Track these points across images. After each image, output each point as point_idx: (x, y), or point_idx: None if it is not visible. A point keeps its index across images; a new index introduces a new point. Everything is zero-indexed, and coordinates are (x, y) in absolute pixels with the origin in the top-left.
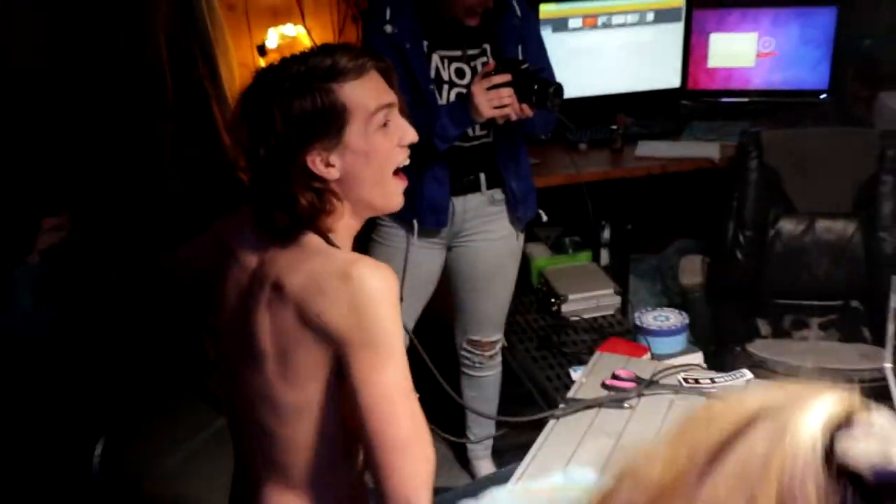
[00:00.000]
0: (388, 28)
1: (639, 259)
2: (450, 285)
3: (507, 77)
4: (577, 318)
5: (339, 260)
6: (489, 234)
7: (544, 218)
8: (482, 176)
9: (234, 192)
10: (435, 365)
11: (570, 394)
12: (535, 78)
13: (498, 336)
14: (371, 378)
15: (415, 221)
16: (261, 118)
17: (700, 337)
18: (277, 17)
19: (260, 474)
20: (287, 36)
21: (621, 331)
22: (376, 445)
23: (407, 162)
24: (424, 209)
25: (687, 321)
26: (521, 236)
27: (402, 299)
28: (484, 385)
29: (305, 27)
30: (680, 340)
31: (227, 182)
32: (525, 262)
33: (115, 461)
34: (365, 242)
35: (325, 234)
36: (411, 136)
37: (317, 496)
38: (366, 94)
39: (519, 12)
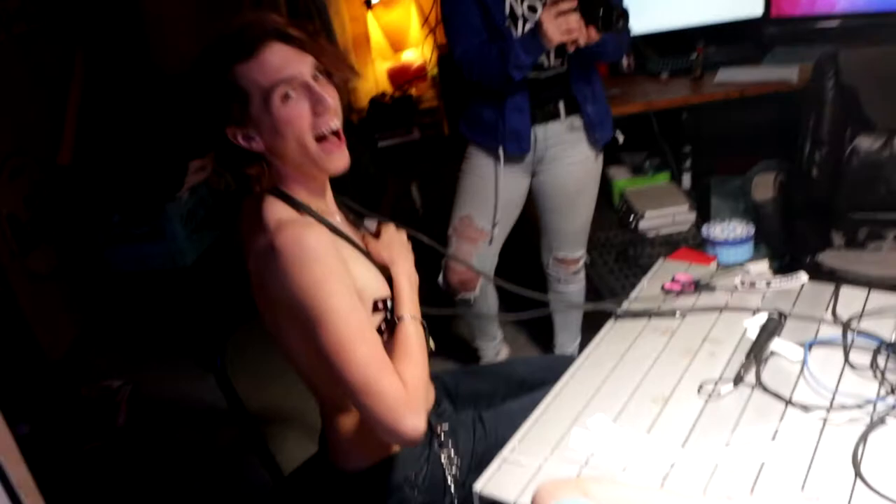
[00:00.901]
0: None
1: (722, 180)
2: (535, 208)
3: (573, 3)
4: (653, 234)
5: (268, 234)
6: (569, 158)
7: (620, 139)
8: (561, 104)
9: None
10: (524, 284)
11: (631, 295)
12: (601, 3)
13: (581, 252)
14: (318, 336)
15: (500, 150)
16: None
17: (774, 251)
18: None
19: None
20: None
21: (694, 245)
22: (346, 391)
23: (334, 127)
24: (508, 137)
25: (753, 231)
26: (600, 157)
27: (495, 224)
28: (568, 298)
29: None
30: (746, 249)
31: None
32: (606, 183)
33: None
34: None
35: (287, 196)
36: (324, 102)
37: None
38: (259, 72)
39: None
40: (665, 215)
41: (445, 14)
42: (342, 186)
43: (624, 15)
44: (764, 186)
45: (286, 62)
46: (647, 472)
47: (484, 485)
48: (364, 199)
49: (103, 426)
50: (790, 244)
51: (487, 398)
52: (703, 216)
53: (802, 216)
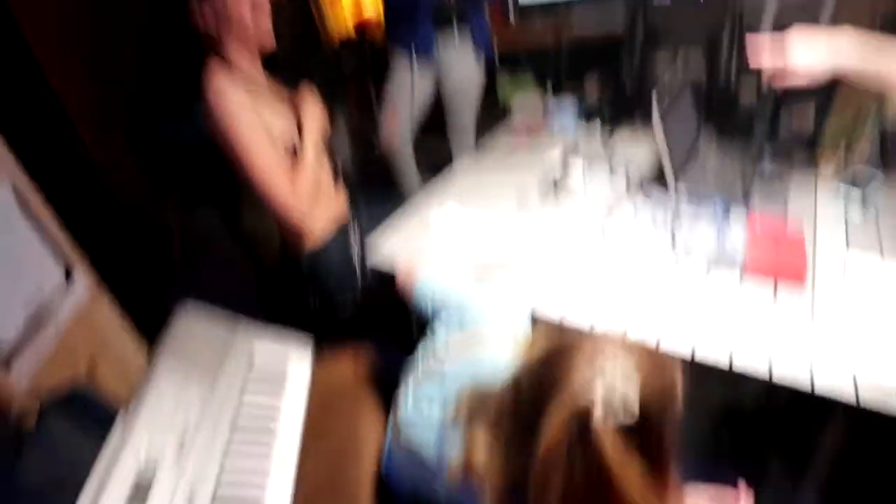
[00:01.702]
0: None
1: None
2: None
3: None
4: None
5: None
6: (462, 66)
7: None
8: (456, 29)
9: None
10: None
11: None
12: None
13: (470, 130)
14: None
15: (413, 52)
16: None
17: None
18: None
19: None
20: None
21: None
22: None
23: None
24: (420, 43)
25: (575, 106)
26: (483, 69)
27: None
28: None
29: None
30: (569, 116)
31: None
32: (494, 88)
33: None
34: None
35: (225, 57)
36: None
37: None
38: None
39: None
40: (527, 106)
41: None
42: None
43: None
44: (593, 85)
45: None
46: (488, 237)
47: (371, 252)
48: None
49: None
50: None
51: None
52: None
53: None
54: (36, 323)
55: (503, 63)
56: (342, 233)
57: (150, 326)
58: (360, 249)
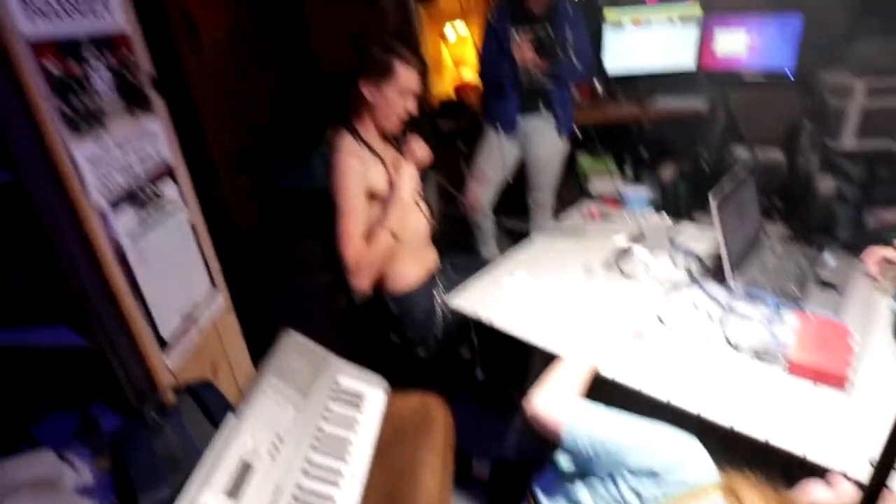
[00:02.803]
0: (493, 19)
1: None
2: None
3: (531, 44)
4: (597, 194)
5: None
6: (544, 139)
7: (579, 135)
8: (541, 105)
9: None
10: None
11: (559, 220)
12: (549, 46)
13: (548, 199)
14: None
15: (498, 126)
16: (356, 51)
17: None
18: (455, 16)
19: None
20: (458, 31)
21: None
22: None
23: (405, 118)
24: (504, 122)
25: (650, 193)
26: (565, 143)
27: (497, 174)
28: (540, 226)
29: (469, 25)
30: (642, 202)
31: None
32: (575, 164)
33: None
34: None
35: (355, 128)
36: (413, 110)
37: None
38: (405, 75)
39: (570, 11)
40: (603, 183)
41: (482, 45)
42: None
43: (556, 53)
44: (669, 171)
45: (416, 82)
46: (553, 304)
47: (452, 300)
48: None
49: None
50: (679, 207)
51: (475, 272)
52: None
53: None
54: (187, 322)
55: (584, 139)
56: (430, 281)
57: (252, 342)
58: (443, 301)
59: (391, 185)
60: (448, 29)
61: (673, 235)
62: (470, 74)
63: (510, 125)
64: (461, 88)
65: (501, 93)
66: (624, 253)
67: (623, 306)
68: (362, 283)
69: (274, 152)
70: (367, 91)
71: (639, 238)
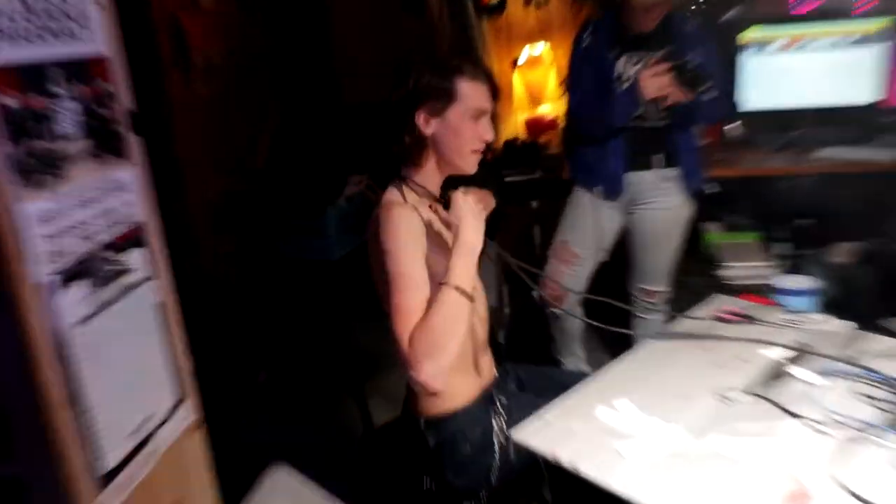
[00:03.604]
0: (586, 41)
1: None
2: (627, 242)
3: (667, 66)
4: (732, 283)
5: (379, 208)
6: (660, 204)
7: (708, 191)
8: (653, 157)
9: None
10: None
11: (676, 322)
12: (690, 69)
13: (662, 287)
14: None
15: (596, 187)
16: (404, 77)
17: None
18: (532, 36)
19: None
20: (534, 55)
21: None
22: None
23: (481, 148)
24: (605, 179)
25: (818, 286)
26: (689, 207)
27: (590, 251)
28: (649, 326)
29: (551, 46)
30: (807, 301)
31: None
32: (700, 236)
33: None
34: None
35: (409, 179)
36: (489, 136)
37: None
38: (472, 94)
39: (693, 28)
40: (745, 268)
41: (569, 74)
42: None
43: (706, 82)
44: (845, 253)
45: (487, 99)
46: (657, 453)
47: (520, 433)
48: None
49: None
50: (864, 306)
51: (551, 392)
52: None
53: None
54: (140, 444)
55: (715, 201)
56: (485, 401)
57: (227, 474)
58: (504, 431)
59: (451, 227)
60: (524, 53)
61: (856, 352)
62: (549, 109)
63: (614, 184)
64: (534, 125)
65: (601, 149)
66: (779, 375)
67: (776, 456)
68: (429, 374)
69: (275, 207)
70: (423, 123)
71: (802, 354)
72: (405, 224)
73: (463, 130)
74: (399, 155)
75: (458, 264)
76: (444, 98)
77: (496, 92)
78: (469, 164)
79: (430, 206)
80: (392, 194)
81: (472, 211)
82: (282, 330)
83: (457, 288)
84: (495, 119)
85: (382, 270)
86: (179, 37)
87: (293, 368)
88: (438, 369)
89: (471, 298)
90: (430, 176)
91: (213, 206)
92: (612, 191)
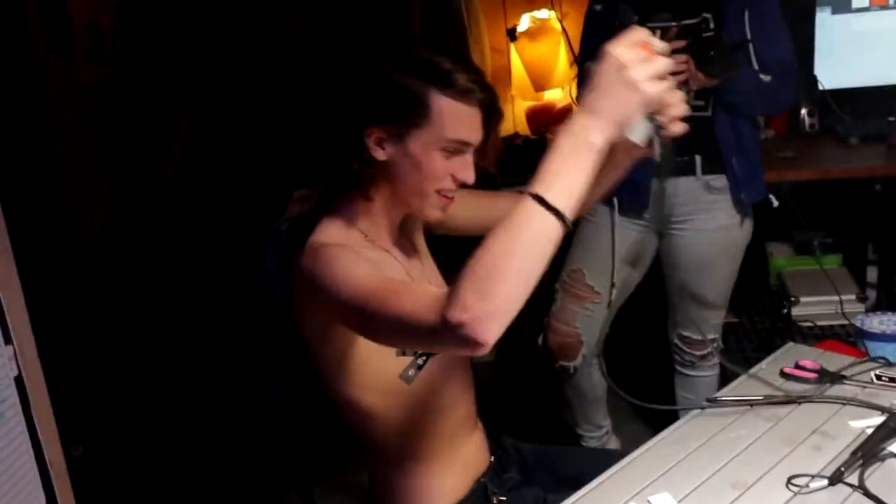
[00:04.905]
0: (598, 6)
1: None
2: (663, 274)
3: (681, 43)
4: (808, 325)
5: (304, 255)
6: (704, 222)
7: (774, 203)
8: (697, 158)
9: None
10: (643, 362)
11: (733, 384)
12: (714, 46)
13: (712, 335)
14: (343, 305)
15: (615, 199)
16: (350, 75)
17: None
18: (534, 3)
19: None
20: (538, 19)
21: (850, 341)
22: (380, 330)
23: (453, 194)
24: (624, 187)
25: None
26: (747, 224)
27: (612, 285)
28: (696, 386)
29: (559, 11)
30: None
31: None
32: (764, 261)
33: None
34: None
35: (344, 212)
36: (468, 177)
37: None
38: (453, 120)
39: None
40: (826, 304)
41: (581, 47)
42: None
43: (734, 63)
44: None
45: (476, 130)
46: None
47: None
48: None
49: (161, 468)
50: None
51: (566, 482)
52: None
53: None
54: None
55: (781, 216)
56: (476, 499)
57: None
58: None
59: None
60: (524, 19)
61: None
62: (560, 95)
63: (635, 195)
64: (540, 116)
65: None
66: (874, 455)
67: None
68: (492, 323)
69: (191, 233)
70: (374, 146)
71: None
72: (340, 246)
73: (428, 165)
74: (342, 182)
75: (555, 160)
76: (407, 115)
77: (494, 115)
78: (430, 210)
79: (379, 245)
80: (320, 235)
81: (622, 65)
82: (202, 398)
83: (541, 200)
84: (487, 148)
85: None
86: (57, 9)
87: (217, 451)
88: (496, 314)
89: (566, 226)
90: (377, 214)
91: (108, 233)
92: (633, 203)
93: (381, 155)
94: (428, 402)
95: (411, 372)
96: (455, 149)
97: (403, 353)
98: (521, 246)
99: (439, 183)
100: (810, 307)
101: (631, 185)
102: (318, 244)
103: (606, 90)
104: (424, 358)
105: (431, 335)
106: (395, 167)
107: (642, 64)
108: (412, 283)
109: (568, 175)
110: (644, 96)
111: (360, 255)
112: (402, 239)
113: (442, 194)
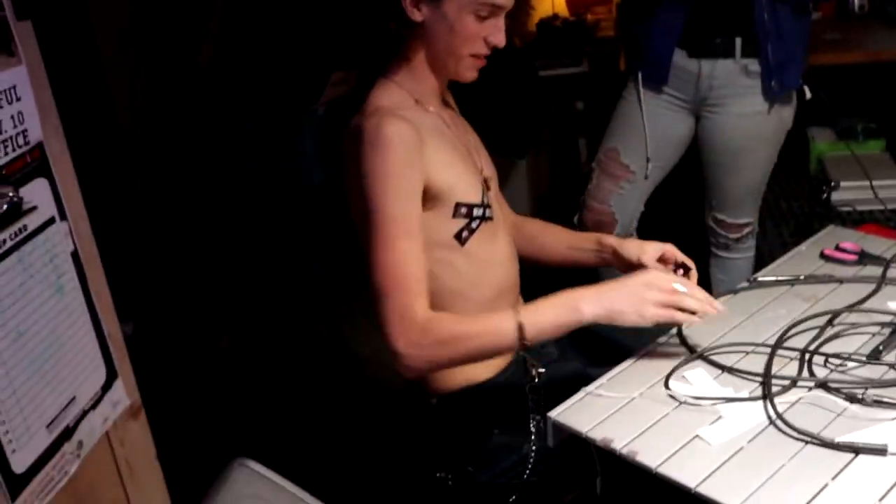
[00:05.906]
0: None
1: None
2: (699, 156)
3: None
4: (847, 209)
5: (360, 116)
6: (739, 107)
7: (808, 94)
8: (738, 41)
9: None
10: (684, 239)
11: (773, 265)
12: None
13: (747, 219)
14: (365, 226)
15: (639, 73)
16: None
17: None
18: None
19: None
20: None
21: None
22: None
23: (485, 53)
24: (648, 61)
25: None
26: (786, 111)
27: (647, 160)
28: (731, 268)
29: None
30: None
31: None
32: (805, 146)
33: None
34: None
35: (393, 76)
36: (499, 40)
37: None
38: None
39: None
40: (865, 188)
41: None
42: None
43: None
44: None
45: None
46: (731, 434)
47: (560, 413)
48: (511, 131)
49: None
50: None
51: (603, 358)
52: None
53: None
54: (60, 440)
55: (823, 103)
56: (516, 371)
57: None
58: (539, 410)
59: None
60: None
61: None
62: None
63: (657, 69)
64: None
65: (645, 21)
66: None
67: None
68: (414, 363)
69: (230, 117)
70: (411, 6)
71: None
72: (397, 140)
73: (462, 28)
74: (383, 46)
75: (549, 312)
76: None
77: None
78: (465, 71)
79: (431, 109)
80: (378, 98)
81: (649, 282)
82: (247, 280)
83: (520, 327)
84: (518, 14)
85: (363, 207)
86: None
87: (261, 330)
88: (428, 369)
89: (522, 347)
90: (421, 75)
91: (149, 122)
92: (654, 77)
93: (417, 16)
94: (474, 268)
95: (465, 234)
96: (488, 12)
97: (456, 215)
98: (484, 344)
99: (472, 46)
100: (850, 192)
101: (654, 58)
102: (373, 110)
103: (621, 288)
104: (478, 221)
105: (385, 334)
106: (431, 29)
107: (663, 293)
108: (419, 273)
109: (547, 322)
110: (641, 314)
111: (407, 139)
112: (449, 110)
113: (475, 56)
